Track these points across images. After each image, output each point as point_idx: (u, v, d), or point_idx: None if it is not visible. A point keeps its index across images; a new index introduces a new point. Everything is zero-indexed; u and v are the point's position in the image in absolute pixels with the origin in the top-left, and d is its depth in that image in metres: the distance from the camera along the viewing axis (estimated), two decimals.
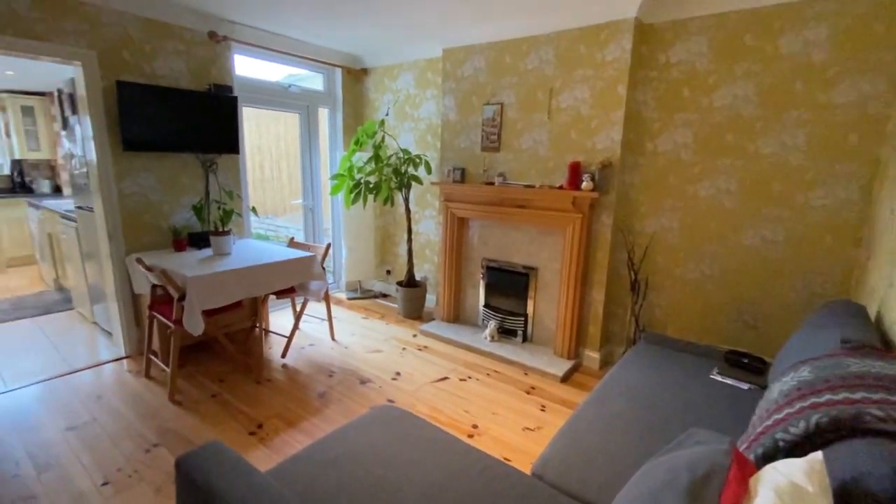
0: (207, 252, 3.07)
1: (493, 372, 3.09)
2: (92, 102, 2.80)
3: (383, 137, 3.87)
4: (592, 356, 3.20)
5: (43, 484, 1.93)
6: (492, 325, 3.45)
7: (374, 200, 4.08)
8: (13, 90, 5.49)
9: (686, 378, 2.00)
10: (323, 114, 4.47)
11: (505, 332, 3.51)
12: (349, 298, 4.59)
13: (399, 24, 3.30)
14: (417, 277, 4.31)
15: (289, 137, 5.32)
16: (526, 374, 3.09)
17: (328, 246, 3.40)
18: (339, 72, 4.36)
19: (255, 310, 3.43)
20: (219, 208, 3.14)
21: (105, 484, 1.94)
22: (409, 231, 4.02)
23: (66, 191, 5.89)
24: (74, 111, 3.09)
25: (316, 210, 4.50)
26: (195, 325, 2.47)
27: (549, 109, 3.12)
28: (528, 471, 1.58)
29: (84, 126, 2.93)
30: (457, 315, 3.86)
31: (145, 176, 3.09)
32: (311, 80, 4.43)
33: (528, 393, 2.83)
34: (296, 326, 3.26)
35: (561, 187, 3.07)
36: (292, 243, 3.59)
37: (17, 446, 2.17)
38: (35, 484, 1.94)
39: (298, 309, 3.33)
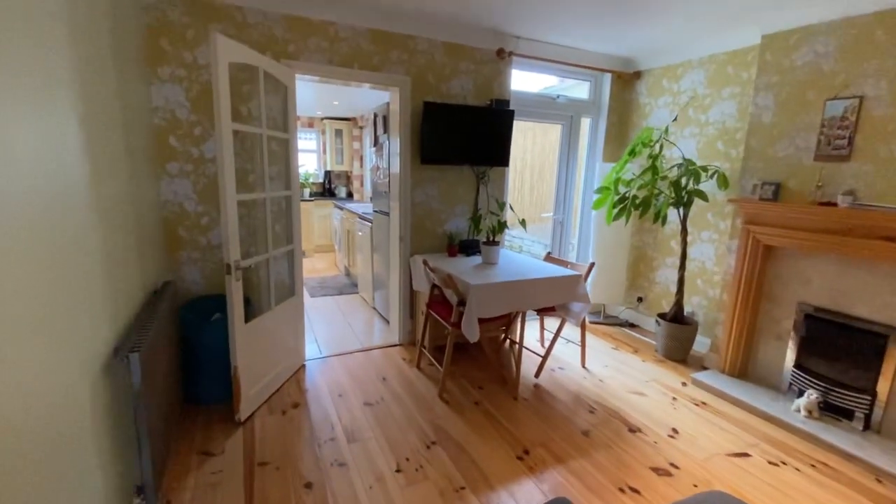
0: (476, 259, 3.19)
1: (820, 464, 2.25)
2: (402, 122, 3.22)
3: (661, 146, 3.37)
4: None
5: (352, 454, 2.21)
6: (812, 396, 2.55)
7: (640, 217, 3.61)
8: (331, 116, 7.12)
9: None
10: (585, 123, 4.23)
11: (830, 410, 2.56)
12: (591, 322, 4.22)
13: (703, 11, 2.76)
14: (685, 312, 3.63)
15: (546, 149, 5.30)
16: (879, 480, 2.14)
17: (591, 266, 3.12)
18: (607, 77, 4.05)
19: (507, 320, 3.43)
20: (494, 222, 3.23)
21: (398, 471, 2.09)
22: (684, 256, 3.39)
23: (356, 196, 7.32)
24: (385, 130, 3.65)
25: (566, 223, 4.30)
26: (472, 332, 2.53)
27: None
28: None
29: (392, 143, 3.41)
30: (743, 369, 3.05)
31: (431, 186, 3.41)
32: (576, 88, 4.25)
33: None
34: (551, 346, 3.09)
35: None
36: (549, 258, 3.45)
37: (332, 411, 2.59)
38: (346, 452, 2.23)
39: (555, 329, 3.15)
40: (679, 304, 3.42)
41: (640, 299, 4.18)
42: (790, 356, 2.80)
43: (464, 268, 2.94)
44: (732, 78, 3.28)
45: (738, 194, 3.07)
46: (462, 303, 2.60)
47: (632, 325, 4.19)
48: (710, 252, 3.53)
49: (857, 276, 2.48)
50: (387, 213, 3.67)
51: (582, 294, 2.91)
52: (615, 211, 3.52)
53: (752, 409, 2.69)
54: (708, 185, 3.31)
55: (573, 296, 2.90)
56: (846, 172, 2.52)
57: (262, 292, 2.83)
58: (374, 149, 4.08)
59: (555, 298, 2.85)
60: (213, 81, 2.05)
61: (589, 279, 4.25)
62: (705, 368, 3.30)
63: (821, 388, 2.59)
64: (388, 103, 3.51)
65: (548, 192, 5.26)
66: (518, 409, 2.65)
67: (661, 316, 3.54)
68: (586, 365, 3.28)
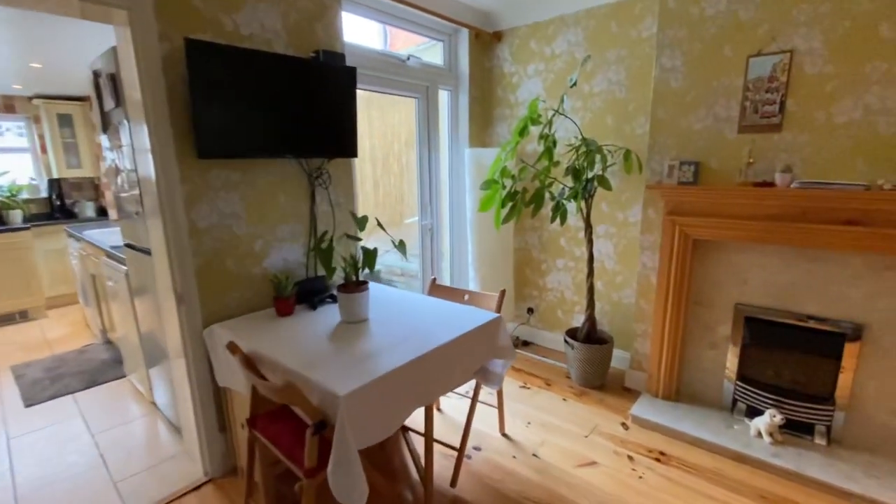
0: (331, 316, 1.89)
1: None
2: (146, 80, 1.65)
3: (552, 125, 2.60)
4: None
5: None
6: (775, 417, 2.09)
7: (533, 216, 2.83)
8: (48, 95, 4.57)
9: None
10: (443, 97, 3.25)
11: (788, 426, 2.16)
12: None
13: None
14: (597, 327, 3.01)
15: (395, 131, 4.13)
16: None
17: (502, 293, 2.15)
18: (464, 36, 3.13)
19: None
20: (353, 248, 1.95)
21: None
22: (591, 259, 2.72)
23: (113, 214, 4.92)
24: (118, 102, 1.97)
25: (436, 229, 3.28)
26: (349, 490, 1.26)
27: None
28: None
29: (135, 124, 1.80)
30: (678, 389, 2.54)
31: (228, 198, 1.93)
32: (428, 52, 3.22)
33: None
34: (467, 432, 2.03)
35: None
36: (438, 289, 2.37)
37: None
38: None
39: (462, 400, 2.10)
40: (591, 319, 2.76)
41: (530, 311, 3.47)
42: (731, 367, 2.35)
43: (313, 343, 1.62)
44: (618, 37, 2.69)
45: (646, 179, 2.51)
46: (324, 424, 1.32)
47: (525, 344, 3.46)
48: (609, 249, 2.97)
49: (804, 268, 2.10)
50: (147, 251, 2.03)
51: (504, 345, 1.92)
52: (505, 211, 2.65)
53: (716, 449, 2.14)
54: (612, 171, 2.69)
55: (494, 349, 1.89)
56: (779, 145, 2.09)
57: None
58: (105, 136, 2.30)
59: (475, 362, 1.79)
60: None
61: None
62: (628, 390, 2.72)
63: (771, 402, 2.18)
64: (114, 48, 1.86)
65: (400, 191, 4.17)
66: None
67: (571, 335, 2.85)
68: (506, 431, 2.35)
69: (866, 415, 2.03)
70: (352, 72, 2.16)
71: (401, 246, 1.84)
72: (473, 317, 1.85)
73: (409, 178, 3.81)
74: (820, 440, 2.10)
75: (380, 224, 1.84)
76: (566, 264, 3.20)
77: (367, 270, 1.76)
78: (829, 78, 1.94)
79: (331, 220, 2.31)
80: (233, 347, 1.57)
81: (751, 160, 2.14)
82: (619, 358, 2.94)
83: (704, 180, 2.31)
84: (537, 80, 3.09)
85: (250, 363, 1.54)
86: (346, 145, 2.24)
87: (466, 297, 2.29)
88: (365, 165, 4.29)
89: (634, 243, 2.82)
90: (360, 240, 1.86)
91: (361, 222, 1.85)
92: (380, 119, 4.17)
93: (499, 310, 2.10)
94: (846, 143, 1.93)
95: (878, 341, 1.96)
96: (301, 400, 1.31)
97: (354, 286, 1.77)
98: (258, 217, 2.05)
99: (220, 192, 1.91)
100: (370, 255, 1.73)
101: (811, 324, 2.10)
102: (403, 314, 1.90)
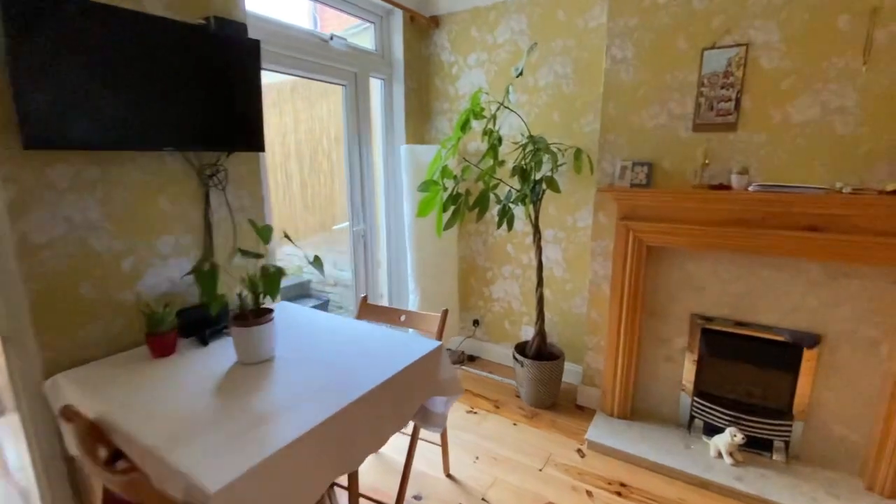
0: (225, 356, 1.47)
1: None
2: None
3: (495, 119, 2.33)
4: None
5: None
6: (736, 436, 1.95)
7: (478, 220, 2.55)
8: None
9: None
10: (375, 88, 2.88)
11: (747, 444, 2.03)
12: None
13: None
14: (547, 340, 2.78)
15: (322, 125, 3.68)
16: None
17: (444, 314, 1.84)
18: (398, 19, 2.79)
19: None
20: (254, 266, 1.54)
21: None
22: (540, 268, 2.49)
23: None
24: None
25: (370, 236, 2.91)
26: None
27: (868, 47, 1.67)
28: None
29: None
30: (633, 406, 2.37)
31: (79, 202, 1.45)
32: (358, 37, 2.84)
33: None
34: (405, 483, 1.69)
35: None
36: (365, 308, 2.01)
37: None
38: None
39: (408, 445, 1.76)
40: (541, 332, 2.53)
41: (475, 323, 3.20)
42: (688, 381, 2.21)
43: (190, 399, 1.21)
44: (564, 27, 2.48)
45: (597, 181, 2.31)
46: None
47: (472, 359, 3.19)
48: (558, 255, 2.76)
49: (761, 276, 1.98)
50: None
51: (447, 379, 1.60)
52: (447, 216, 2.34)
53: (678, 475, 1.97)
54: (560, 171, 2.46)
55: (435, 386, 1.56)
56: (735, 145, 1.96)
57: None
58: None
59: (412, 405, 1.45)
60: None
61: (411, 308, 3.05)
62: (581, 408, 2.53)
63: (729, 419, 2.05)
64: None
65: (331, 192, 3.75)
66: None
67: (520, 350, 2.61)
68: (451, 472, 2.04)
69: (824, 428, 1.95)
70: (255, 46, 1.75)
71: (316, 262, 1.46)
72: (410, 347, 1.52)
73: (342, 177, 3.41)
74: (779, 457, 1.99)
75: (287, 236, 1.45)
76: (513, 272, 2.96)
77: (268, 298, 1.36)
78: (785, 74, 1.82)
79: (230, 229, 1.88)
80: (68, 414, 1.12)
81: (706, 161, 1.99)
82: (570, 372, 2.74)
83: (658, 182, 2.14)
84: (479, 71, 2.82)
85: (94, 436, 1.10)
86: (248, 136, 1.81)
87: (403, 317, 1.95)
88: (290, 163, 3.82)
89: (584, 249, 2.63)
90: (260, 256, 1.46)
91: (264, 233, 1.45)
92: (306, 111, 3.72)
93: (440, 335, 1.78)
94: (803, 143, 1.82)
95: (836, 351, 1.88)
96: (148, 492, 0.90)
97: (254, 317, 1.37)
98: (129, 227, 1.57)
99: (68, 194, 1.43)
100: (271, 279, 1.34)
101: (768, 335, 1.99)
102: (321, 347, 1.53)
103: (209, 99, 1.63)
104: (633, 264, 2.16)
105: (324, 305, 4.10)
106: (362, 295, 2.05)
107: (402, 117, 2.92)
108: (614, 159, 2.24)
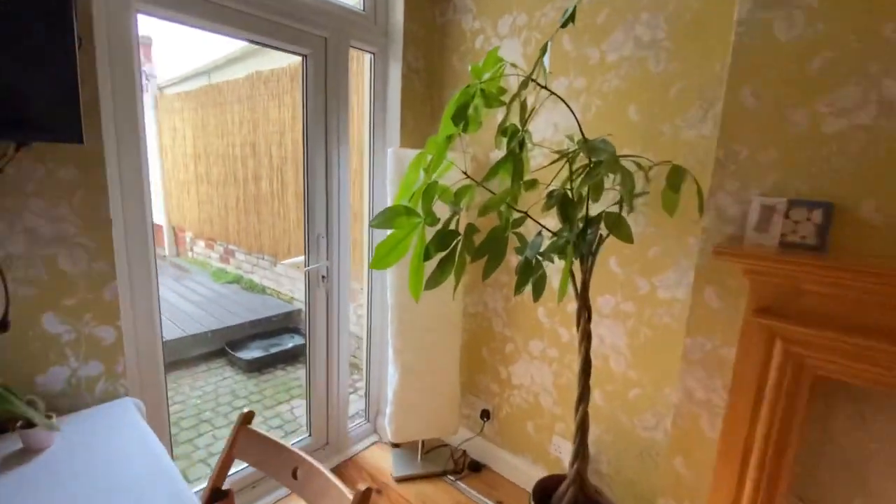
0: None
1: None
2: None
3: (523, 106, 1.34)
4: None
5: None
6: None
7: (484, 277, 1.53)
8: None
9: None
10: (362, 62, 2.00)
11: None
12: (399, 478, 2.04)
13: None
14: (590, 483, 1.70)
15: (284, 117, 2.88)
16: None
17: (367, 494, 0.86)
18: None
19: None
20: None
21: None
22: (587, 364, 1.43)
23: None
24: None
25: (333, 278, 1.99)
26: None
27: None
28: None
29: None
30: None
31: None
32: None
33: None
34: None
35: None
36: (245, 436, 1.08)
37: None
38: None
39: None
40: (581, 473, 1.47)
41: (486, 415, 2.18)
42: None
43: None
44: None
45: (706, 227, 1.25)
46: None
47: (475, 469, 2.16)
48: (619, 338, 1.69)
49: None
50: None
51: None
52: (430, 268, 1.36)
53: None
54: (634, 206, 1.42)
55: None
56: None
57: None
58: None
59: None
60: None
61: (389, 390, 2.08)
62: None
63: None
64: None
65: (292, 214, 2.92)
66: None
67: (543, 491, 1.56)
68: None
69: None
70: None
71: None
72: None
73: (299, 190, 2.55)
74: None
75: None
76: (544, 351, 1.92)
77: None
78: None
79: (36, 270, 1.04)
80: None
81: None
82: None
83: (845, 244, 1.05)
84: (513, 42, 1.84)
85: None
86: (53, 118, 0.97)
87: (298, 471, 1.00)
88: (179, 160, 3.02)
89: (666, 334, 1.55)
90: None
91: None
92: (259, 110, 2.92)
93: None
94: None
95: None
96: None
97: None
98: None
99: None
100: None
101: None
102: None
103: None
104: (777, 402, 1.07)
105: None
106: (242, 412, 1.12)
107: (398, 108, 2.00)
108: (746, 191, 1.17)
